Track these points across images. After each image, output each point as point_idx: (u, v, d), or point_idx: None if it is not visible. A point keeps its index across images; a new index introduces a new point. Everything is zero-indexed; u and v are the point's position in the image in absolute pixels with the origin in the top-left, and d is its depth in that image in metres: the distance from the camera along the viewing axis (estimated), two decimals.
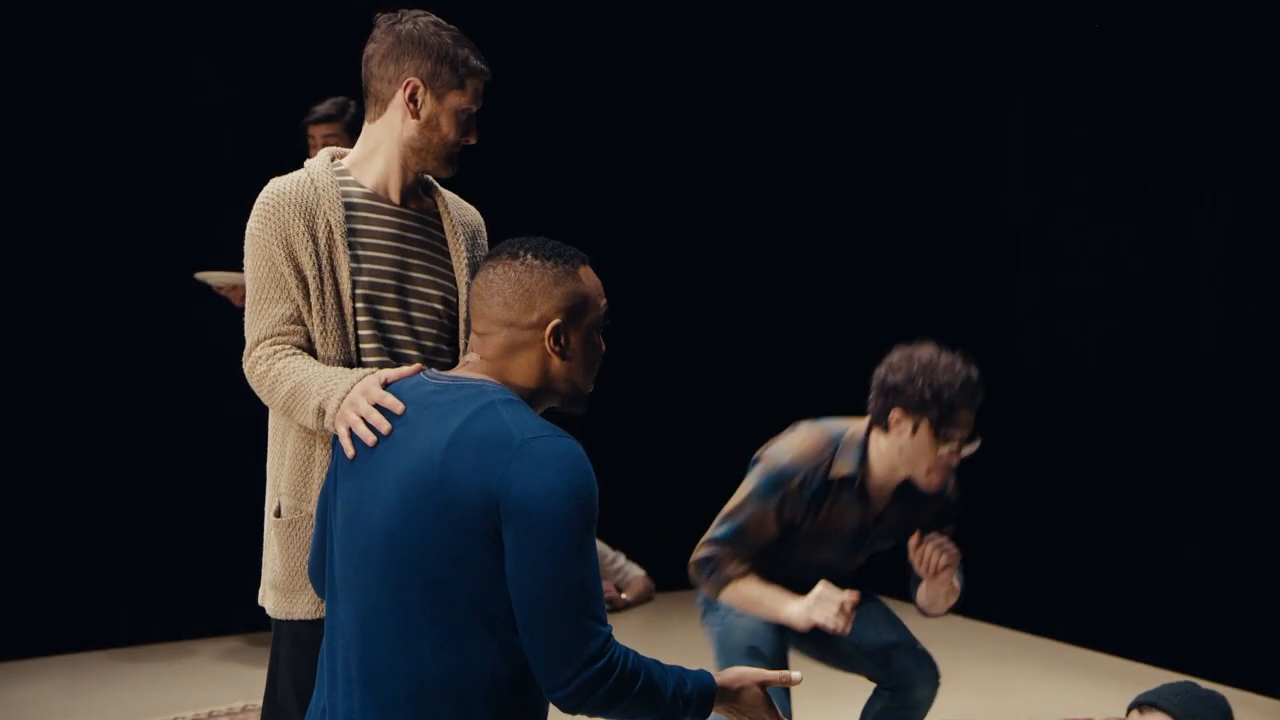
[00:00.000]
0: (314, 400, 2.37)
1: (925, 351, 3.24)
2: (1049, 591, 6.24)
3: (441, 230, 2.61)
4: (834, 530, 3.32)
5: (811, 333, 7.08)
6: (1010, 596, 6.34)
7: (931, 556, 3.14)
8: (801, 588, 3.26)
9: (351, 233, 2.51)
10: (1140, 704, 2.73)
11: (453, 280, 2.59)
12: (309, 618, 2.49)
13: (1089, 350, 6.15)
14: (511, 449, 1.93)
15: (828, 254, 7.07)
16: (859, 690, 3.64)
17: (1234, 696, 4.61)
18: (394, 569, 1.97)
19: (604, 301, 2.13)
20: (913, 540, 3.17)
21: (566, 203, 6.06)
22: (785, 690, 3.21)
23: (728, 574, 3.26)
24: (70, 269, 5.47)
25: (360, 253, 2.51)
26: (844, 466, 3.26)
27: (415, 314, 2.54)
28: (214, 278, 4.08)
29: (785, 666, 3.31)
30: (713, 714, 2.10)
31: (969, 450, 3.23)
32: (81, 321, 5.52)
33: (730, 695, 2.13)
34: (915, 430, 3.20)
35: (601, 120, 6.62)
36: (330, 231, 2.48)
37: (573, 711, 1.98)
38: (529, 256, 2.07)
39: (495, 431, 1.95)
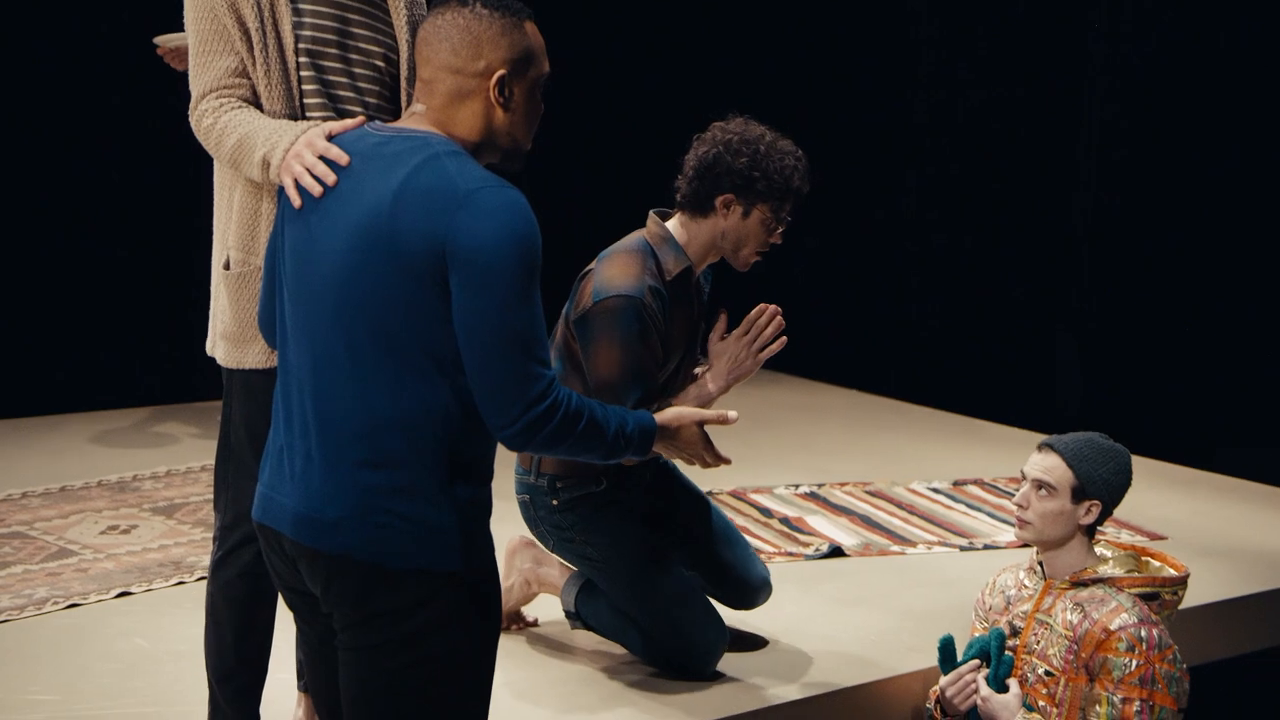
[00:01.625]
0: (259, 152, 2.40)
1: (757, 132, 3.14)
2: (946, 369, 6.54)
3: None
4: (680, 336, 3.16)
5: None
6: (906, 372, 6.62)
7: (772, 327, 3.02)
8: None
9: None
10: (1043, 445, 2.94)
11: (393, 38, 2.60)
12: (260, 367, 2.56)
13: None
14: (457, 199, 1.99)
15: None
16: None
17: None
18: (345, 315, 2.04)
19: (547, 61, 2.17)
20: (762, 308, 3.02)
21: None
22: None
23: None
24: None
25: (301, 6, 2.52)
26: (674, 264, 3.12)
27: (357, 70, 2.56)
28: (165, 39, 3.95)
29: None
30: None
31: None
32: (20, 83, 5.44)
33: (670, 434, 2.26)
34: (748, 214, 3.10)
35: None
36: None
37: (519, 449, 2.09)
38: (478, 5, 2.09)
39: (440, 183, 2.00)
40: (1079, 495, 2.87)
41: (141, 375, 5.73)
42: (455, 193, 2.00)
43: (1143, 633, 2.79)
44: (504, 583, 3.45)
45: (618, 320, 2.98)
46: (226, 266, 2.59)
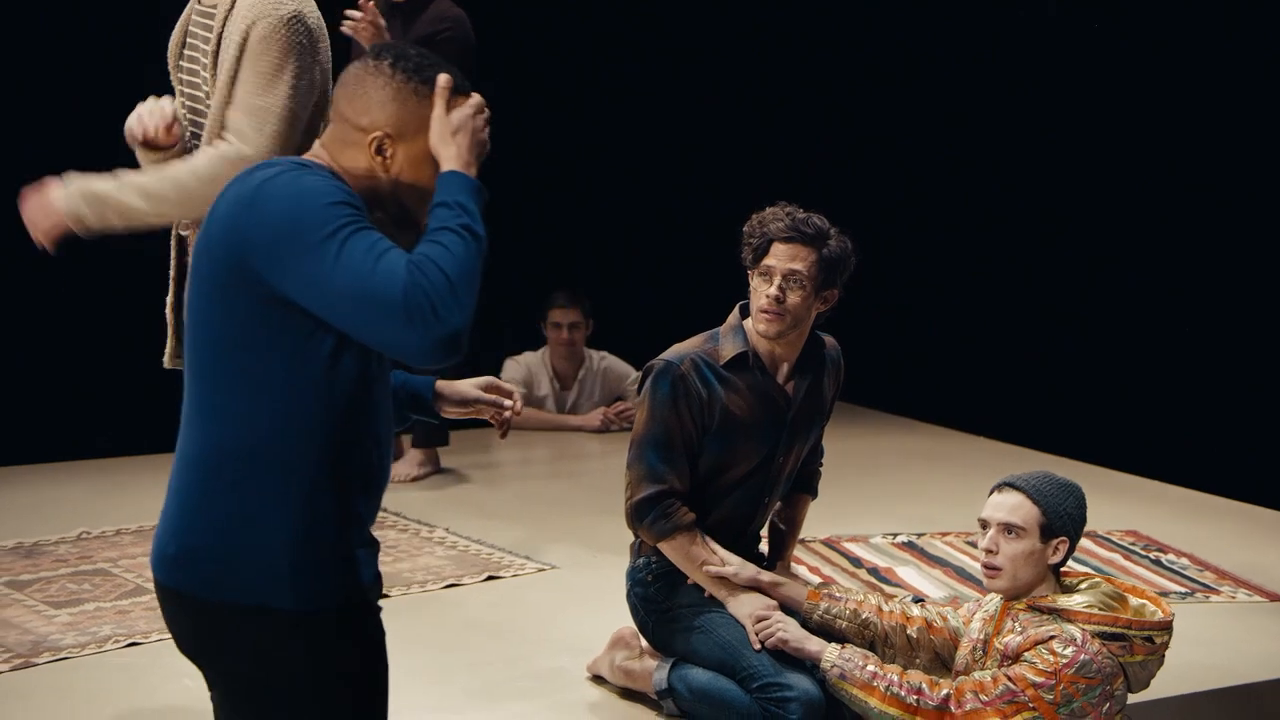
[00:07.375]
0: None
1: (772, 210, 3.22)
2: (1071, 414, 6.27)
3: None
4: (748, 423, 3.20)
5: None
6: (1030, 417, 6.35)
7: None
8: (732, 524, 3.25)
9: None
10: (1000, 485, 2.85)
11: None
12: None
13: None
14: (247, 198, 1.96)
15: None
16: None
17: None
18: (192, 348, 2.04)
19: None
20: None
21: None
22: None
23: (676, 520, 3.15)
24: None
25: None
26: (730, 348, 3.20)
27: None
28: None
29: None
30: None
31: (822, 306, 3.17)
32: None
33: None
34: (751, 278, 3.18)
35: None
36: None
37: (453, 347, 1.90)
38: (386, 64, 2.05)
39: (240, 187, 1.99)
40: (1047, 533, 2.78)
41: None
42: (246, 191, 1.97)
43: (1067, 650, 2.66)
44: (598, 669, 3.49)
45: (654, 382, 3.21)
46: None
